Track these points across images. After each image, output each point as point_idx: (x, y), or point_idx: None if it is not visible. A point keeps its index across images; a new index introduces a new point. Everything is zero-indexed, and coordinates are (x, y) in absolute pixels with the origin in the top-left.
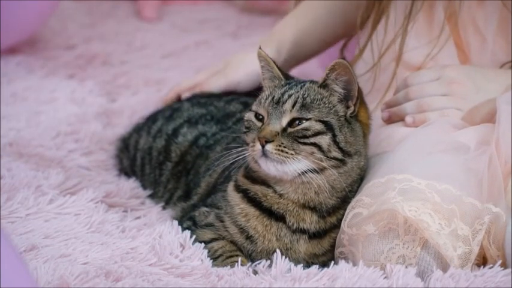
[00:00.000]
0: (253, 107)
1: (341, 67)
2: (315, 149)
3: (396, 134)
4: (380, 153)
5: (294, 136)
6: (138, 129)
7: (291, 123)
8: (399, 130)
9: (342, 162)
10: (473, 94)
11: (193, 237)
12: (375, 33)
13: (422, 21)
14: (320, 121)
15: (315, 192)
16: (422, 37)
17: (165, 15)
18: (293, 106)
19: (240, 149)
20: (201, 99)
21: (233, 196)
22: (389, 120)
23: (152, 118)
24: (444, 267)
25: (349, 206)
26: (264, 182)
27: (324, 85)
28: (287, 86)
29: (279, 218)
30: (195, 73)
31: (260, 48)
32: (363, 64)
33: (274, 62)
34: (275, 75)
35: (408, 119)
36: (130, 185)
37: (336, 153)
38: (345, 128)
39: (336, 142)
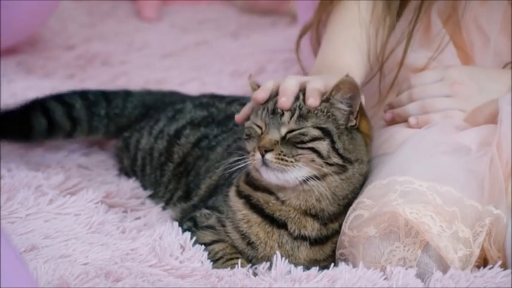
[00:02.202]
0: (252, 118)
1: (346, 85)
2: (314, 155)
3: (398, 135)
4: (381, 155)
5: (292, 142)
6: (139, 129)
7: (289, 132)
8: (401, 131)
9: (343, 168)
10: (476, 95)
11: (194, 238)
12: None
13: (422, 24)
14: (317, 127)
15: (317, 199)
16: (422, 40)
17: (165, 15)
18: (291, 118)
19: (241, 157)
20: (203, 99)
21: (235, 202)
22: (392, 121)
23: (154, 118)
24: (445, 269)
25: (350, 208)
26: (265, 189)
27: (327, 102)
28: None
29: (281, 225)
30: (195, 73)
31: (250, 76)
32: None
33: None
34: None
35: (411, 120)
36: (131, 185)
37: (336, 160)
38: (343, 136)
39: (334, 149)
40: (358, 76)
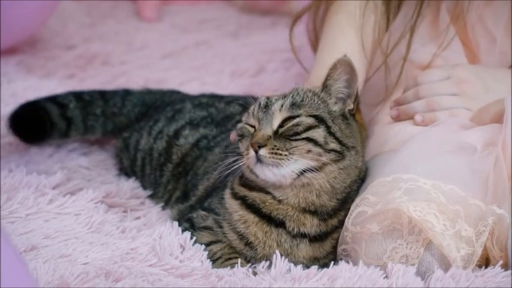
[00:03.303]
0: (244, 118)
1: (343, 65)
2: (310, 145)
3: (403, 132)
4: (386, 152)
5: (285, 135)
6: (139, 129)
7: (282, 125)
8: (406, 129)
9: (341, 154)
10: (483, 94)
11: (193, 238)
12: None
13: (427, 20)
14: (310, 116)
15: (316, 195)
16: (428, 36)
17: (165, 15)
18: (282, 105)
19: (234, 158)
20: (203, 99)
21: (231, 203)
22: (398, 118)
23: (154, 118)
24: (447, 268)
25: (354, 204)
26: (261, 189)
27: (324, 85)
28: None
29: (279, 224)
30: (195, 73)
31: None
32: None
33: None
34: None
35: (417, 117)
36: (131, 185)
37: (334, 145)
38: (338, 120)
39: (331, 133)
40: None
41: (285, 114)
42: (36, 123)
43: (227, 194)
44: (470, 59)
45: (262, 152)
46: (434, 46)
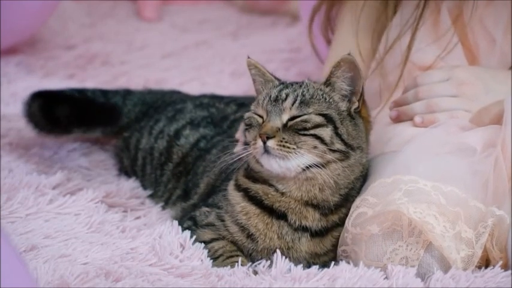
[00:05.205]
0: (252, 107)
1: (346, 63)
2: (317, 142)
3: (404, 133)
4: (387, 153)
5: (294, 129)
6: (139, 129)
7: (291, 119)
8: (407, 130)
9: (346, 155)
10: (483, 95)
11: (194, 237)
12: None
13: (428, 22)
14: (320, 114)
15: (319, 189)
16: (429, 38)
17: (165, 15)
18: (293, 104)
19: (241, 147)
20: (204, 99)
21: (234, 195)
22: (398, 119)
23: (155, 118)
24: (447, 269)
25: (354, 205)
26: (265, 181)
27: (327, 83)
28: (282, 85)
29: (280, 216)
30: (195, 73)
31: (249, 57)
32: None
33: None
34: (267, 79)
35: (417, 119)
36: (130, 185)
37: (339, 146)
38: (346, 122)
39: (338, 134)
40: None
41: (294, 112)
42: (47, 113)
43: (231, 185)
44: (470, 60)
45: (270, 143)
46: (435, 47)
